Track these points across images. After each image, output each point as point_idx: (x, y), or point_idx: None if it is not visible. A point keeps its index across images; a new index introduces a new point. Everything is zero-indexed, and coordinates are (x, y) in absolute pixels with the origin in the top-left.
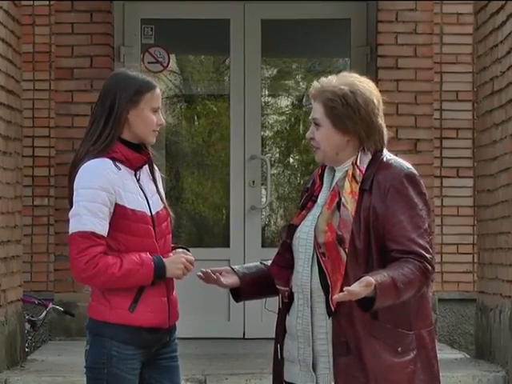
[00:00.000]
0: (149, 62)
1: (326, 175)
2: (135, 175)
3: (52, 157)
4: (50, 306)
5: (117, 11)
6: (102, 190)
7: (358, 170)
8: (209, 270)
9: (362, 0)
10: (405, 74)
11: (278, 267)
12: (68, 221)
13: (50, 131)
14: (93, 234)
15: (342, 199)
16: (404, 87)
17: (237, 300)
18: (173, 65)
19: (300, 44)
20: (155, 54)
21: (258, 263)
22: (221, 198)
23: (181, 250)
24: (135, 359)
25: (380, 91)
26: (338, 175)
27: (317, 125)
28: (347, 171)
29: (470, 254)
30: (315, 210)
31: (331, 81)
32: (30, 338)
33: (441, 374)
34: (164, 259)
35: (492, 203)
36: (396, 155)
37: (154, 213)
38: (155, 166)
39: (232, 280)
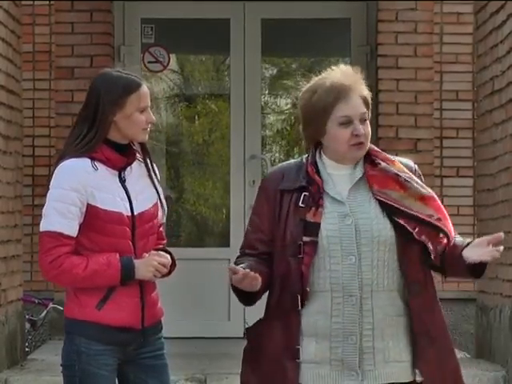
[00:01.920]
0: (149, 62)
1: (324, 173)
2: (120, 175)
3: (52, 156)
4: (50, 305)
5: (117, 11)
6: (72, 190)
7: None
8: (247, 270)
9: (362, 0)
10: (405, 73)
11: (309, 269)
12: None
13: (51, 131)
14: (59, 234)
15: (404, 176)
16: (404, 87)
17: (250, 304)
18: (173, 64)
19: (300, 44)
20: (155, 54)
21: (250, 263)
22: (221, 198)
23: (155, 252)
24: (106, 355)
25: (380, 91)
26: (340, 172)
27: (365, 120)
28: (380, 158)
29: None
30: (336, 207)
31: (355, 76)
32: (30, 337)
33: None
34: (135, 260)
35: (492, 203)
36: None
37: (136, 213)
38: (154, 166)
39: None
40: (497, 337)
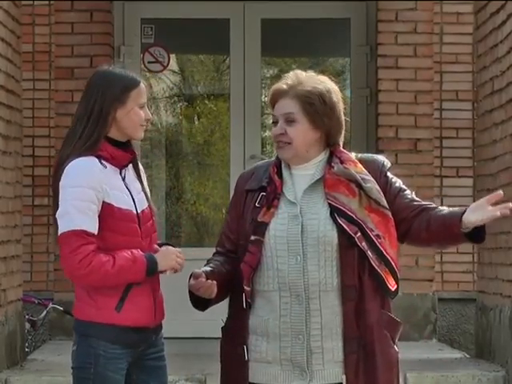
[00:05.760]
0: (149, 62)
1: (285, 174)
2: (120, 173)
3: (52, 156)
4: (50, 305)
5: (117, 11)
6: (90, 188)
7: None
8: (203, 279)
9: (362, 0)
10: (405, 73)
11: (250, 268)
12: None
13: (50, 131)
14: (84, 232)
15: (363, 181)
16: (404, 87)
17: (203, 309)
18: (173, 64)
19: (300, 43)
20: (155, 54)
21: (216, 264)
22: (221, 198)
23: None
24: (122, 359)
25: (380, 91)
26: (301, 173)
27: (291, 121)
28: (343, 159)
29: (470, 253)
30: (289, 208)
31: (300, 79)
32: (29, 337)
33: (441, 374)
34: (154, 254)
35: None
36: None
37: (139, 211)
38: (139, 164)
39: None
40: (497, 337)
